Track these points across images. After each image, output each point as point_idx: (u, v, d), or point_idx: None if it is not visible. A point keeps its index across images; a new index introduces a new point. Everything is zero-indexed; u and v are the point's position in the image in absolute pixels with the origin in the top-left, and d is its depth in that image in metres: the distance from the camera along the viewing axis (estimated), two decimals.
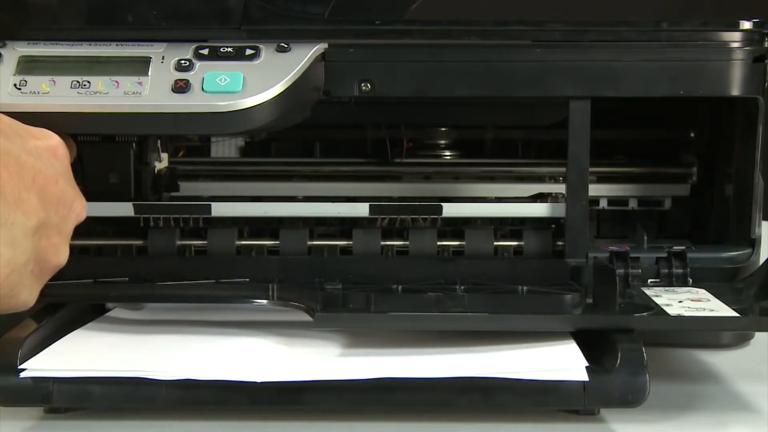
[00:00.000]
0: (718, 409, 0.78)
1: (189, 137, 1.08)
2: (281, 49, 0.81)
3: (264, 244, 0.89)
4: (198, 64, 0.80)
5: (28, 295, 0.69)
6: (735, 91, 0.84)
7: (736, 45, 0.84)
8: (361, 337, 0.78)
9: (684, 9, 0.93)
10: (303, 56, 0.81)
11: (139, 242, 0.89)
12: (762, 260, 0.89)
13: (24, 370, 0.72)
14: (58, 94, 0.78)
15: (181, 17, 0.83)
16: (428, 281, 0.85)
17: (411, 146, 1.07)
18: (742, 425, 0.75)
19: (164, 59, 0.80)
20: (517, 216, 0.91)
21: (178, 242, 0.89)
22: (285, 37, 0.82)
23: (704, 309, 0.79)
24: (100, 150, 0.88)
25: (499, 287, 0.82)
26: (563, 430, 0.73)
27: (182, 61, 0.80)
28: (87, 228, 0.77)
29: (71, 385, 0.72)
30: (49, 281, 0.71)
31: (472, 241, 0.89)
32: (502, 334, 0.76)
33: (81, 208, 0.72)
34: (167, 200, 0.98)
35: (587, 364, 0.72)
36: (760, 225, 0.90)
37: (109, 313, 0.86)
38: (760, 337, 0.94)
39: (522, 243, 0.89)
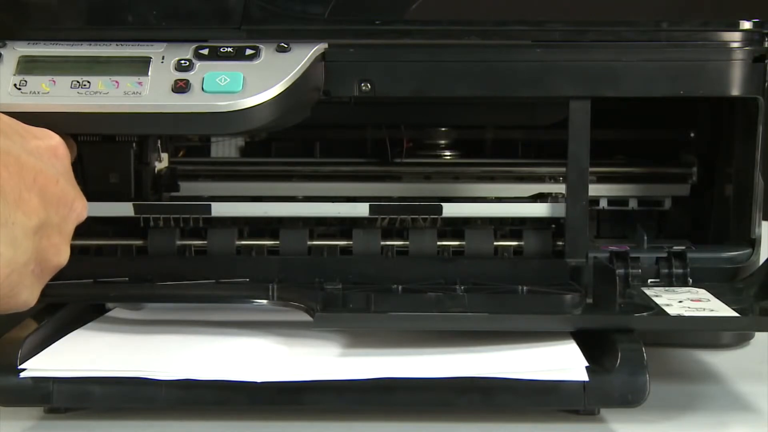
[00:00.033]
0: (718, 409, 0.78)
1: (189, 137, 1.08)
2: (281, 49, 0.81)
3: (264, 244, 0.89)
4: (198, 64, 0.80)
5: (28, 295, 0.69)
6: (735, 91, 0.84)
7: (736, 45, 0.84)
8: (361, 337, 0.78)
9: (684, 9, 0.93)
10: (303, 56, 0.81)
11: (139, 242, 0.89)
12: (762, 260, 0.89)
13: (24, 370, 0.72)
14: (58, 94, 0.78)
15: (181, 17, 0.83)
16: (428, 281, 0.85)
17: (411, 146, 1.07)
18: (742, 425, 0.75)
19: (164, 59, 0.80)
20: (517, 216, 0.91)
21: (178, 242, 0.89)
22: (285, 37, 0.82)
23: (704, 309, 0.79)
24: (101, 150, 0.88)
25: (499, 287, 0.82)
26: (563, 430, 0.73)
27: (182, 61, 0.80)
28: (87, 228, 0.77)
29: (71, 385, 0.72)
30: (49, 281, 0.71)
31: (472, 241, 0.89)
32: (502, 334, 0.76)
33: (82, 208, 0.72)
34: (167, 200, 0.98)
35: (587, 364, 0.72)
36: (760, 225, 0.90)
37: (109, 313, 0.86)
38: (760, 337, 0.94)
39: (522, 243, 0.89)
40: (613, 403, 0.72)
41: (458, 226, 0.90)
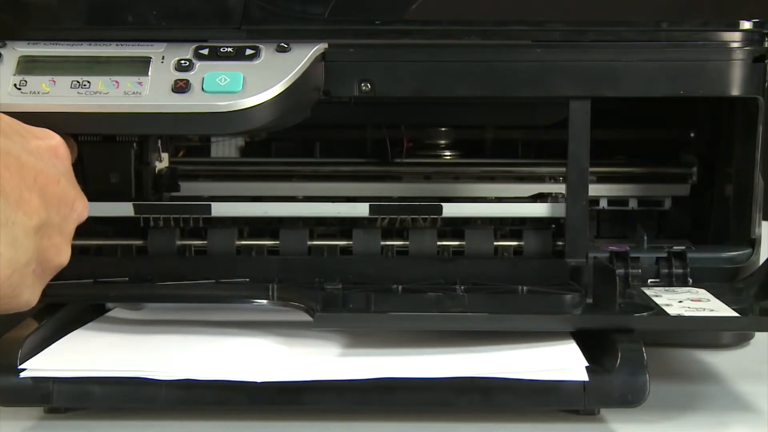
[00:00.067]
0: (718, 409, 0.78)
1: (189, 137, 1.08)
2: (281, 49, 0.81)
3: (264, 244, 0.89)
4: (198, 64, 0.80)
5: (30, 295, 0.69)
6: (735, 91, 0.84)
7: (736, 45, 0.84)
8: (361, 337, 0.78)
9: (684, 9, 0.92)
10: (303, 56, 0.81)
11: (139, 242, 0.89)
12: (762, 260, 0.89)
13: (24, 370, 0.72)
14: (58, 94, 0.78)
15: (181, 17, 0.83)
16: (428, 281, 0.85)
17: (411, 146, 1.07)
18: (742, 425, 0.75)
19: (164, 59, 0.80)
20: (517, 216, 0.91)
21: (178, 242, 0.89)
22: (285, 37, 0.82)
23: (704, 309, 0.79)
24: (101, 150, 0.88)
25: (499, 287, 0.82)
26: (563, 430, 0.73)
27: (182, 61, 0.80)
28: (87, 228, 0.77)
29: (71, 385, 0.72)
30: (49, 281, 0.71)
31: (472, 241, 0.89)
32: (502, 334, 0.76)
33: (82, 208, 0.72)
34: (168, 200, 0.98)
35: (587, 364, 0.72)
36: (760, 225, 0.90)
37: (109, 313, 0.86)
38: (760, 337, 0.94)
39: (522, 243, 0.89)
40: (613, 403, 0.72)
41: (458, 226, 0.90)
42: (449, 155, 1.08)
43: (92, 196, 0.76)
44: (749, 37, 0.85)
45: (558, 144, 0.90)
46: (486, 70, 0.84)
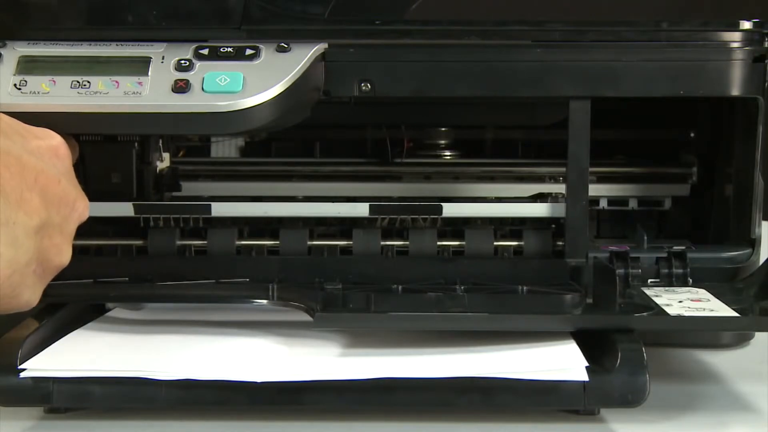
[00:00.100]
0: (718, 409, 0.78)
1: (189, 137, 1.08)
2: (281, 49, 0.81)
3: (264, 244, 0.89)
4: (198, 64, 0.80)
5: (30, 296, 0.69)
6: (735, 91, 0.84)
7: (736, 45, 0.84)
8: (361, 337, 0.78)
9: (684, 9, 0.92)
10: (303, 56, 0.81)
11: (139, 242, 0.89)
12: (762, 260, 0.89)
13: (24, 370, 0.72)
14: (58, 94, 0.78)
15: (181, 17, 0.83)
16: (428, 281, 0.85)
17: (411, 146, 1.07)
18: (742, 425, 0.75)
19: (164, 59, 0.80)
20: (517, 216, 0.91)
21: (178, 242, 0.89)
22: (285, 37, 0.82)
23: (704, 309, 0.79)
24: (103, 150, 0.88)
25: (499, 287, 0.82)
26: (563, 430, 0.73)
27: (182, 61, 0.80)
28: (87, 228, 0.77)
29: (71, 385, 0.72)
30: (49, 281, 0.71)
31: (472, 241, 0.89)
32: (502, 334, 0.76)
33: (83, 208, 0.72)
34: (169, 200, 0.98)
35: (587, 364, 0.72)
36: (760, 225, 0.90)
37: (109, 313, 0.86)
38: (760, 337, 0.94)
39: (522, 243, 0.89)
40: (613, 403, 0.72)
41: (458, 226, 0.90)
42: (449, 155, 1.08)
43: (94, 196, 0.76)
44: (749, 37, 0.85)
45: (558, 144, 0.90)
46: (486, 70, 0.84)
